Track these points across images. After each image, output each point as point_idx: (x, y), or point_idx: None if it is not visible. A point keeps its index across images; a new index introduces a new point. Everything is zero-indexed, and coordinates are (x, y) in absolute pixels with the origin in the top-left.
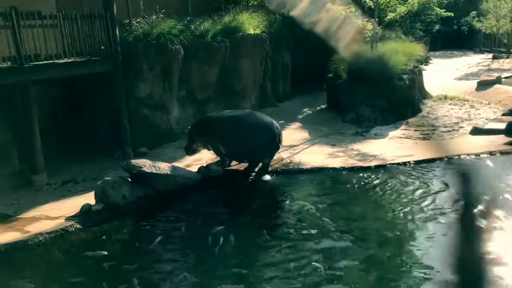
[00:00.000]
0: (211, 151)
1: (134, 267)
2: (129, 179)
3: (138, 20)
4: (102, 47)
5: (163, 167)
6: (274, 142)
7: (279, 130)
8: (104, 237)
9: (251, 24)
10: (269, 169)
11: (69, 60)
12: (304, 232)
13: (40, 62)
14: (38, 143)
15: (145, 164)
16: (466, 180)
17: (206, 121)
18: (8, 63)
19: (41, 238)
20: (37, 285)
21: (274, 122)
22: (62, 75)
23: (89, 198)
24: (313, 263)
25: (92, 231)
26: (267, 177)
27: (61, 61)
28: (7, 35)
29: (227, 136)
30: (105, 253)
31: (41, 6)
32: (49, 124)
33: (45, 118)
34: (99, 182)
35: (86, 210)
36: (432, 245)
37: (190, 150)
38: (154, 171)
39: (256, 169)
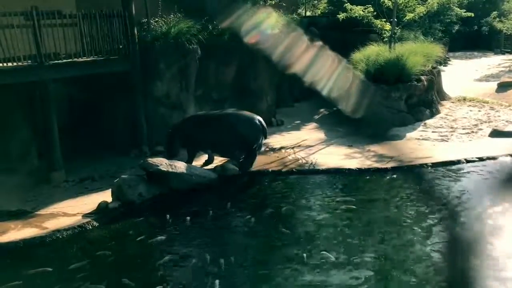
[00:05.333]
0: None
1: (149, 263)
2: (146, 178)
3: (156, 19)
4: (121, 46)
5: (179, 165)
6: (263, 133)
7: (264, 122)
8: (119, 234)
9: (269, 23)
10: (285, 169)
11: (88, 59)
12: (316, 228)
13: (60, 61)
14: (57, 140)
15: (162, 163)
16: (485, 183)
17: (193, 121)
18: (29, 61)
19: (58, 235)
20: (53, 280)
21: (258, 115)
22: (81, 74)
23: (106, 196)
24: (322, 252)
25: (108, 228)
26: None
27: (80, 60)
28: (28, 34)
29: (218, 133)
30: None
31: (61, 5)
32: (67, 122)
33: (64, 116)
34: (116, 180)
35: (103, 208)
36: (440, 247)
37: (173, 154)
38: (170, 169)
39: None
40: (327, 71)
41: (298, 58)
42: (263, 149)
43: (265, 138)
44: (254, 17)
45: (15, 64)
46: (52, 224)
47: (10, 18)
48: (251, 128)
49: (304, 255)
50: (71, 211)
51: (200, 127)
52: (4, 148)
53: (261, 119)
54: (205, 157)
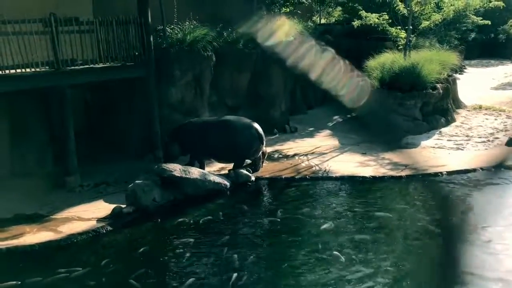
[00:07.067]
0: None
1: (162, 269)
2: (160, 183)
3: (172, 26)
4: (136, 53)
5: (193, 171)
6: (260, 139)
7: (260, 130)
8: (133, 239)
9: (284, 30)
10: (299, 176)
11: (104, 65)
12: (326, 233)
13: (77, 67)
14: (73, 145)
15: (176, 168)
16: (501, 192)
17: (190, 128)
18: (46, 67)
19: (73, 239)
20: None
21: (255, 123)
22: (97, 80)
23: (120, 201)
24: (334, 252)
25: (122, 233)
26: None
27: (96, 66)
28: (46, 40)
29: (216, 140)
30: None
31: (78, 12)
32: (83, 127)
33: (80, 120)
34: (130, 185)
35: (117, 212)
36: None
37: (173, 157)
38: (184, 175)
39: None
40: (341, 78)
41: (312, 65)
42: (276, 156)
43: (262, 144)
44: (269, 24)
45: (33, 70)
46: (67, 228)
47: (29, 25)
48: (247, 136)
49: (316, 255)
50: (86, 215)
51: (197, 134)
52: (21, 152)
53: (257, 126)
54: (219, 163)
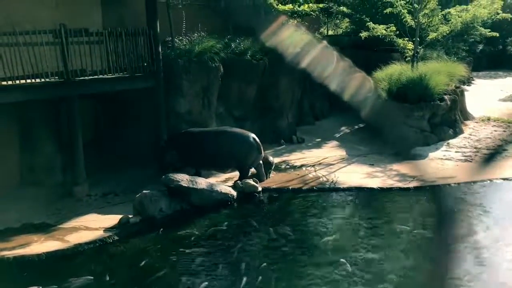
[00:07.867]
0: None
1: (167, 279)
2: (167, 193)
3: (180, 38)
4: (145, 64)
5: (200, 182)
6: (258, 149)
7: (257, 139)
8: (139, 249)
9: (294, 40)
10: (306, 187)
11: (113, 76)
12: (333, 244)
13: (86, 78)
14: (81, 155)
15: (183, 179)
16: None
17: (187, 138)
18: (56, 77)
19: (80, 249)
20: None
21: (252, 133)
22: (106, 90)
23: (128, 210)
24: (341, 260)
25: (129, 243)
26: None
27: (105, 76)
28: (56, 51)
29: (213, 150)
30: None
31: (88, 23)
32: (92, 136)
33: (88, 131)
34: (137, 195)
35: (124, 222)
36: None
37: (168, 165)
38: (191, 185)
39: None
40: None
41: (321, 74)
42: (283, 166)
43: (260, 154)
44: (277, 34)
45: (43, 80)
46: (74, 238)
47: (39, 36)
48: (244, 145)
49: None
50: (93, 225)
51: (195, 143)
52: (30, 161)
53: (255, 136)
54: (226, 174)
